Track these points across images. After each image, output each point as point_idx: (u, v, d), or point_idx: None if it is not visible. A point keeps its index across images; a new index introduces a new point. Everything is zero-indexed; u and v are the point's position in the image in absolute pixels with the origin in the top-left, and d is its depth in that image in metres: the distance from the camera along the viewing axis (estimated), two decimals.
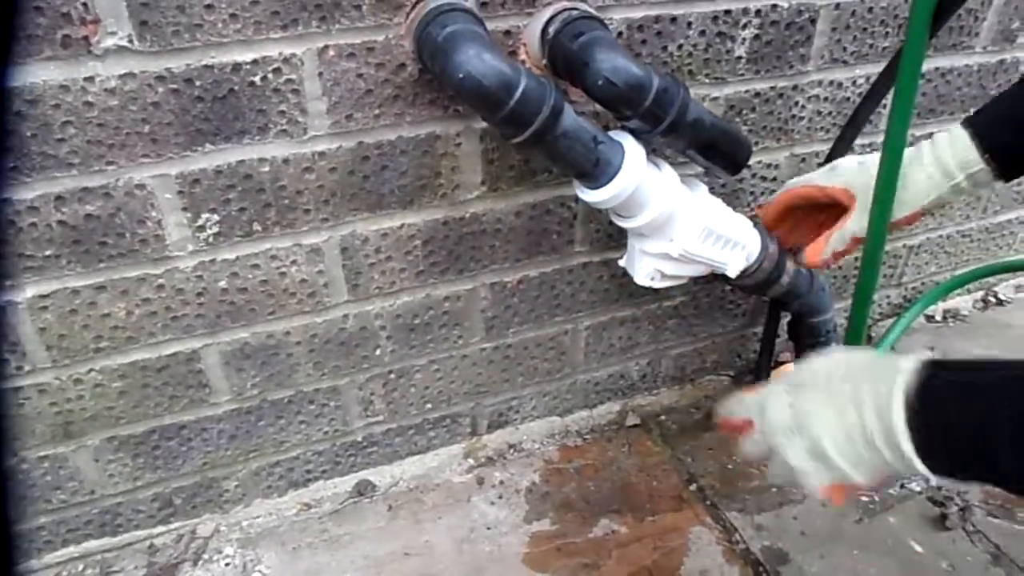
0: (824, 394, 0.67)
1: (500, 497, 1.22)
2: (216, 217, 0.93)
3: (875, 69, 1.20)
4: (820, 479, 0.67)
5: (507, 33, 0.93)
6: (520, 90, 0.80)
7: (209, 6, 0.80)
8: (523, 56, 0.94)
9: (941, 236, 1.54)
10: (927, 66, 1.26)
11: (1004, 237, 1.64)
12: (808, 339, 1.30)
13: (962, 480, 0.61)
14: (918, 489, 1.26)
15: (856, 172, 1.02)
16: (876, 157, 0.99)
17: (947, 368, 0.62)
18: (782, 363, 1.44)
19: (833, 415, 0.65)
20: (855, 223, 1.01)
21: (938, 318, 1.65)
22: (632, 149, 0.91)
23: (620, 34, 0.98)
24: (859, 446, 0.63)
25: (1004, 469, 0.57)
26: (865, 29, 1.15)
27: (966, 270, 1.59)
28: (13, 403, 0.95)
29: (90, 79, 0.79)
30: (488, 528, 1.16)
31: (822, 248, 1.05)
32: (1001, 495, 1.24)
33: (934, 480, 0.63)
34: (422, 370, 1.17)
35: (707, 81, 1.08)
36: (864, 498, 1.24)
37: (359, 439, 1.20)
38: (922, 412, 0.60)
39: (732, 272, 1.06)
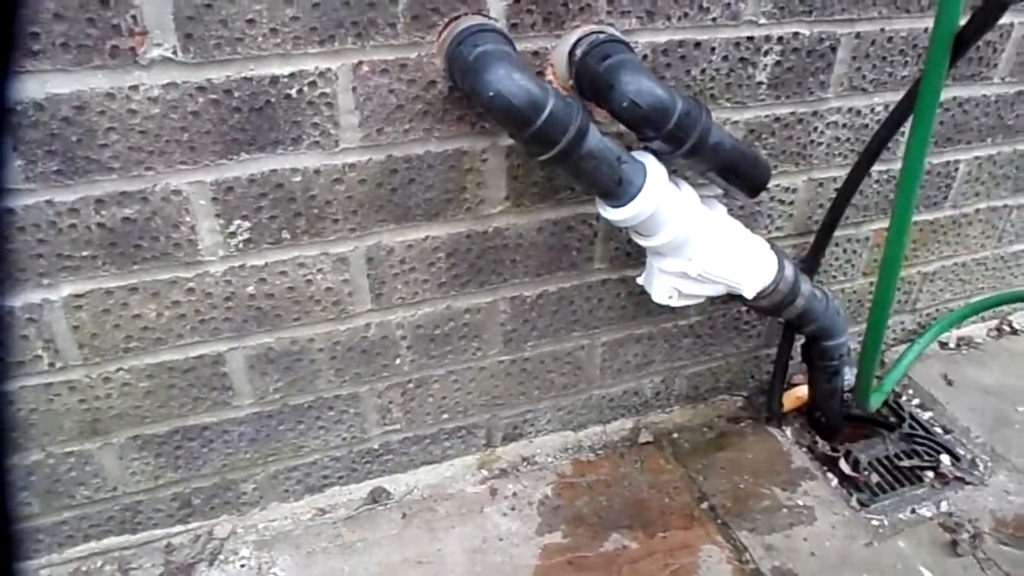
0: None
1: (513, 509, 1.23)
2: (247, 224, 0.95)
3: (894, 97, 1.22)
4: None
5: (535, 54, 0.95)
6: (548, 110, 0.83)
7: (251, 21, 0.83)
8: (550, 76, 0.97)
9: (956, 264, 1.55)
10: (945, 95, 1.27)
11: (1020, 266, 1.65)
12: (821, 362, 1.31)
13: None
14: (929, 514, 1.27)
15: None
16: None
17: None
18: (795, 385, 1.45)
19: None
20: None
21: (952, 345, 1.65)
22: (654, 170, 0.94)
23: (645, 57, 1.01)
24: None
25: None
26: (884, 58, 1.18)
27: (980, 298, 1.61)
28: (13, 404, 0.97)
29: (135, 88, 0.82)
30: (500, 539, 1.18)
31: None
32: (1013, 523, 1.25)
33: None
34: (440, 380, 1.19)
35: (728, 105, 1.10)
36: (875, 522, 1.25)
37: (376, 447, 1.22)
38: None
39: (748, 293, 1.07)
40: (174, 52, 0.82)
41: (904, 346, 1.56)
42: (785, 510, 1.25)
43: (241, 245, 0.97)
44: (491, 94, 0.81)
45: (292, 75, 0.88)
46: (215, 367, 1.04)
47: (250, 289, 1.00)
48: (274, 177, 0.93)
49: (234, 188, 0.92)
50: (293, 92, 0.89)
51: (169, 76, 0.83)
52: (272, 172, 0.93)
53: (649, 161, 0.95)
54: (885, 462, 1.37)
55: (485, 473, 1.29)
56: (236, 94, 0.87)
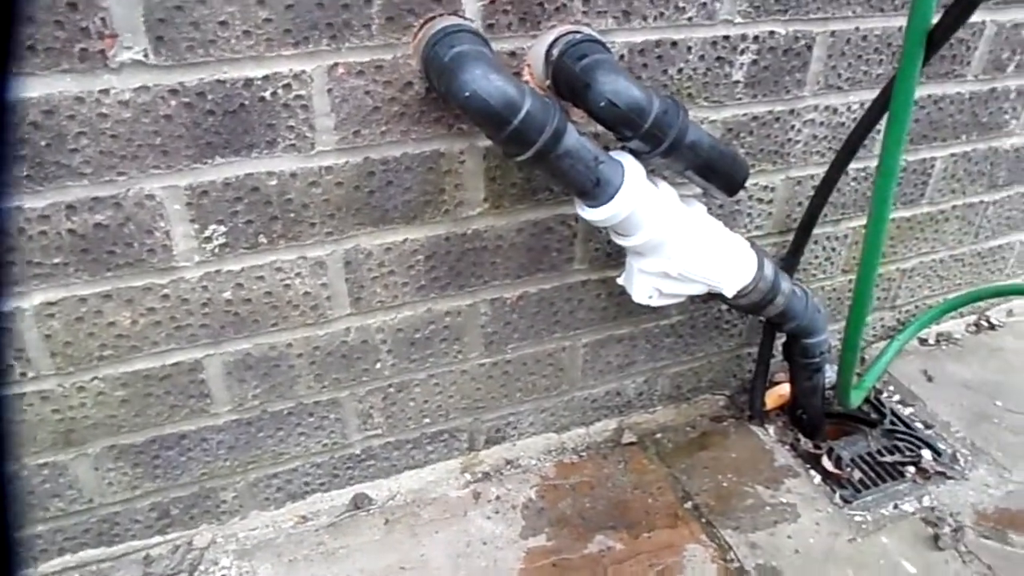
0: None
1: (496, 512, 1.22)
2: (223, 228, 0.94)
3: (870, 95, 1.22)
4: None
5: (512, 54, 0.95)
6: (524, 110, 0.82)
7: (223, 23, 0.82)
8: (527, 77, 0.97)
9: (934, 260, 1.56)
10: (920, 93, 1.29)
11: (996, 262, 1.66)
12: (802, 359, 1.32)
13: None
14: (911, 510, 1.27)
15: None
16: None
17: None
18: (777, 383, 1.46)
19: None
20: None
21: (931, 341, 1.66)
22: (632, 169, 0.93)
23: (622, 57, 1.01)
24: None
25: None
26: (860, 56, 1.18)
27: (959, 294, 1.62)
28: (14, 409, 0.96)
29: (105, 91, 0.81)
30: (484, 543, 1.17)
31: None
32: (994, 516, 1.26)
33: None
34: (421, 384, 1.18)
35: (706, 104, 1.11)
36: (858, 518, 1.25)
37: (357, 452, 1.21)
38: None
39: (728, 292, 1.08)
40: (145, 55, 0.81)
41: (884, 343, 1.57)
42: (769, 508, 1.25)
43: (217, 250, 0.95)
44: (467, 94, 0.81)
45: (266, 77, 0.87)
46: (192, 374, 1.03)
47: (227, 295, 0.99)
48: (249, 181, 0.92)
49: (209, 192, 0.91)
50: (267, 95, 0.88)
51: (140, 79, 0.82)
52: (247, 176, 0.92)
53: (627, 161, 0.95)
54: (867, 458, 1.37)
55: (468, 477, 1.28)
56: (209, 97, 0.86)
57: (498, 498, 1.25)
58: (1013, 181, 1.53)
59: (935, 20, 0.93)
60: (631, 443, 1.36)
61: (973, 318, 1.73)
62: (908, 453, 1.38)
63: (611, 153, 0.95)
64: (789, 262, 1.29)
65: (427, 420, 1.23)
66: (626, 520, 1.21)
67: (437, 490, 1.26)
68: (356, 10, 0.86)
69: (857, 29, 1.16)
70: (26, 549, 1.08)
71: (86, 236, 0.88)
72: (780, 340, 1.36)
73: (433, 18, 0.90)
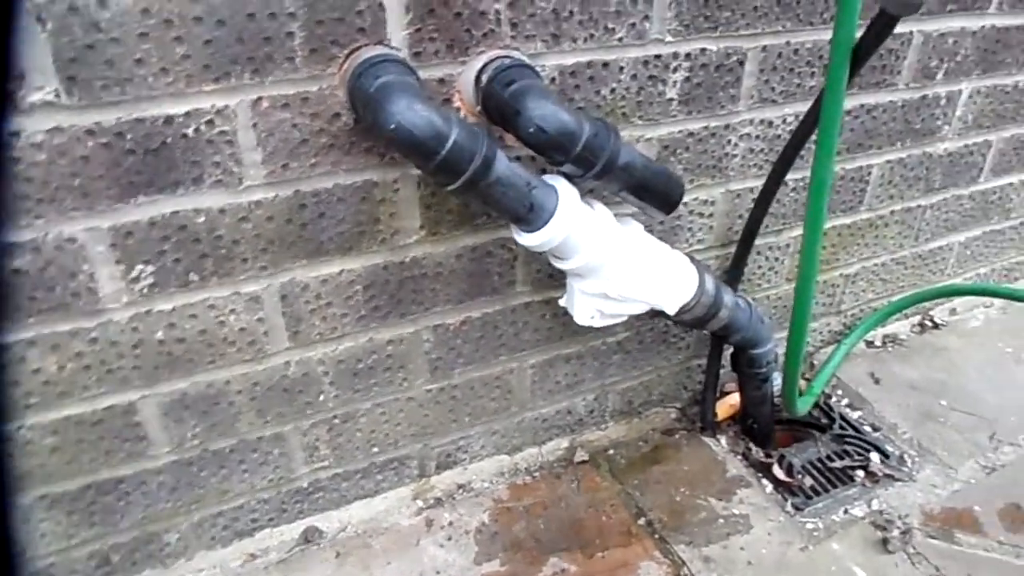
0: None
1: (449, 539, 1.21)
2: (151, 268, 0.92)
3: (803, 107, 1.24)
4: None
5: (441, 81, 0.94)
6: (452, 139, 0.82)
7: (139, 60, 0.80)
8: (458, 103, 0.96)
9: (876, 264, 1.59)
10: (853, 103, 1.31)
11: (937, 263, 1.70)
12: (750, 370, 1.33)
13: None
14: (861, 514, 1.29)
15: None
16: None
17: None
18: (728, 393, 1.47)
19: None
20: None
21: (877, 343, 1.69)
22: (566, 193, 0.93)
23: (553, 80, 1.01)
24: None
25: None
26: (792, 69, 1.20)
27: (902, 296, 1.65)
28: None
29: (15, 134, 0.78)
30: (437, 572, 1.16)
31: None
32: (940, 516, 1.28)
33: None
34: (367, 414, 1.17)
35: (641, 123, 1.11)
36: (809, 525, 1.26)
37: (305, 485, 1.19)
38: None
39: (670, 309, 1.08)
40: (57, 95, 0.78)
41: (832, 347, 1.59)
42: (722, 520, 1.25)
43: (146, 290, 0.93)
44: (392, 126, 0.80)
45: (187, 114, 0.85)
46: (127, 417, 1.00)
47: (159, 335, 0.96)
48: (176, 219, 0.90)
49: (134, 232, 0.89)
50: (190, 131, 0.86)
51: (54, 120, 0.80)
52: (174, 214, 0.90)
53: (561, 184, 0.94)
54: (818, 464, 1.39)
55: (420, 504, 1.27)
56: (129, 136, 0.83)
57: (451, 524, 1.24)
58: (948, 184, 1.56)
59: (860, 35, 0.95)
60: (584, 461, 1.35)
61: (918, 318, 1.76)
62: (857, 457, 1.40)
63: (545, 177, 0.95)
64: (732, 274, 1.30)
65: (375, 449, 1.21)
66: (580, 540, 1.21)
67: (389, 519, 1.24)
68: (278, 43, 0.85)
69: (788, 43, 1.17)
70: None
71: (4, 283, 0.85)
72: (728, 351, 1.37)
73: (358, 48, 0.88)
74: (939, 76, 1.37)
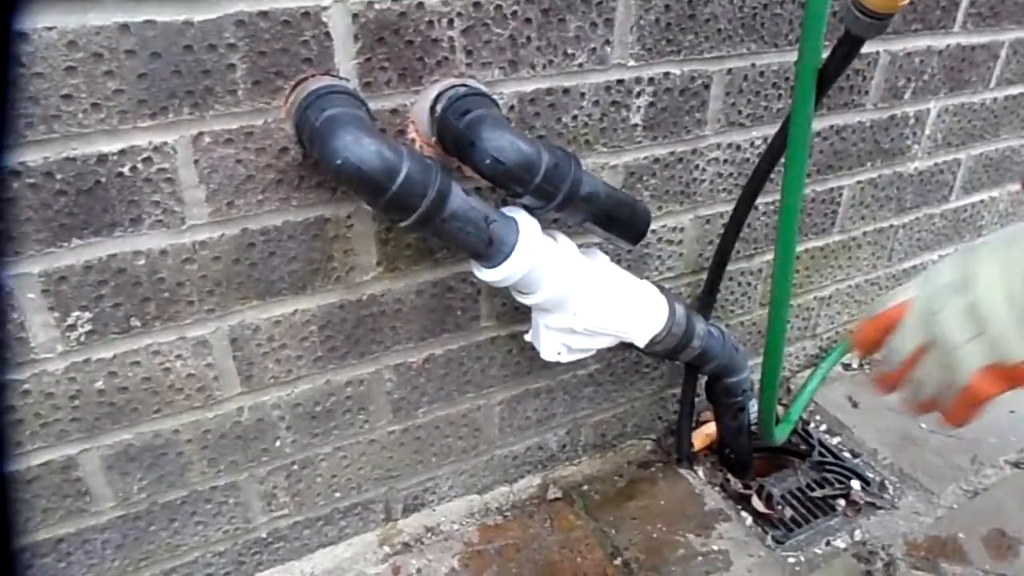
0: (998, 245, 0.56)
1: None
2: (88, 315, 0.86)
3: (771, 129, 1.21)
4: (976, 357, 0.55)
5: (394, 112, 0.90)
6: (403, 174, 0.78)
7: (67, 96, 0.75)
8: (412, 134, 0.92)
9: (851, 286, 1.56)
10: (822, 124, 1.28)
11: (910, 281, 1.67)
12: (725, 399, 1.29)
13: None
14: (843, 545, 1.25)
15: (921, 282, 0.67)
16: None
17: None
18: (704, 422, 1.43)
19: (1001, 259, 0.55)
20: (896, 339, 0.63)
21: (855, 366, 1.66)
22: (527, 226, 0.89)
23: (512, 108, 0.97)
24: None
25: None
26: (758, 92, 1.17)
27: None
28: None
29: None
30: None
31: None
32: (924, 545, 1.24)
33: None
34: (327, 458, 1.11)
35: (605, 150, 1.08)
36: (791, 559, 1.22)
37: (263, 535, 1.13)
38: None
39: (640, 342, 1.04)
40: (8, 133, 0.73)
41: (808, 371, 1.56)
42: (700, 558, 1.21)
43: (83, 338, 0.87)
44: (339, 162, 0.76)
45: (122, 151, 0.80)
46: (66, 472, 0.94)
47: (99, 384, 0.91)
48: (113, 262, 0.85)
49: (67, 277, 0.83)
50: (125, 170, 0.81)
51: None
52: (111, 257, 0.84)
53: (521, 217, 0.90)
54: (798, 494, 1.35)
55: (387, 550, 1.21)
56: (58, 176, 0.78)
57: (419, 571, 1.18)
58: (919, 203, 1.54)
59: (825, 56, 0.93)
60: (557, 498, 1.31)
61: None
62: (838, 485, 1.37)
63: (504, 210, 0.91)
64: (705, 301, 1.26)
65: (338, 494, 1.15)
66: None
67: (354, 567, 1.19)
68: (218, 75, 0.80)
69: (753, 65, 1.15)
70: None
71: None
72: (703, 380, 1.33)
73: (305, 79, 0.84)
74: (907, 95, 1.35)
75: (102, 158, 0.79)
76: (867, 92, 1.31)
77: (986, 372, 0.55)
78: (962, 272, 0.56)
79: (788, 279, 1.09)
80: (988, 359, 0.55)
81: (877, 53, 1.27)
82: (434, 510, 1.26)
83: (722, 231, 1.22)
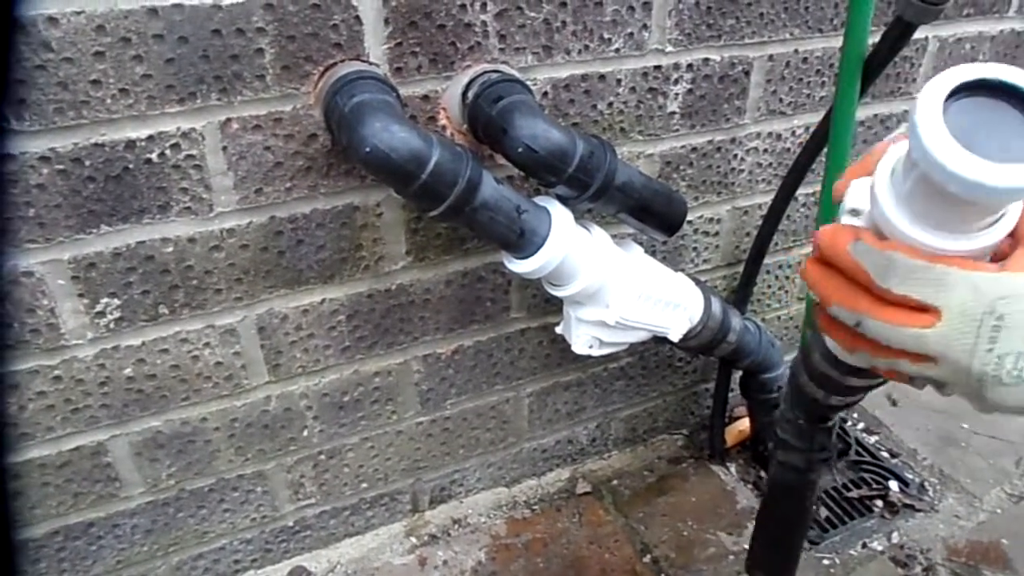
0: None
1: None
2: (117, 302, 0.86)
3: (813, 118, 1.17)
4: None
5: (425, 98, 0.88)
6: (432, 163, 0.76)
7: (96, 82, 0.74)
8: (443, 121, 0.90)
9: None
10: (867, 112, 1.24)
11: None
12: (760, 395, 1.26)
13: None
14: (880, 548, 1.22)
15: None
16: None
17: None
18: (737, 418, 1.39)
19: None
20: None
21: None
22: (559, 216, 0.87)
23: (545, 95, 0.95)
24: None
25: None
26: (800, 79, 1.13)
27: None
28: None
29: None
30: None
31: None
32: (965, 551, 1.20)
33: None
34: (355, 448, 1.10)
35: (641, 138, 1.05)
36: (825, 561, 1.19)
37: (290, 524, 1.13)
38: None
39: (674, 336, 1.01)
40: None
41: None
42: (732, 556, 1.18)
43: (112, 325, 0.87)
44: (367, 149, 0.74)
45: (151, 138, 0.79)
46: (96, 458, 0.94)
47: (128, 371, 0.90)
48: (142, 249, 0.84)
49: (97, 264, 0.83)
50: (154, 156, 0.80)
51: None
52: (140, 244, 0.84)
53: (554, 207, 0.88)
54: (833, 494, 1.31)
55: (414, 540, 1.20)
56: (87, 162, 0.78)
57: (445, 563, 1.17)
58: None
59: (872, 46, 0.89)
60: (586, 492, 1.29)
61: None
62: (875, 486, 1.33)
63: (537, 199, 0.89)
64: (741, 295, 1.23)
65: (365, 485, 1.15)
66: None
67: (380, 557, 1.18)
68: (246, 60, 0.79)
69: (796, 52, 1.11)
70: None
71: None
72: (737, 375, 1.30)
73: (334, 64, 0.82)
74: None
75: (130, 144, 0.79)
76: (915, 80, 1.26)
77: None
78: (988, 311, 0.42)
79: None
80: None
81: (926, 39, 1.21)
82: (461, 502, 1.25)
83: (760, 223, 1.19)
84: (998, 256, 0.43)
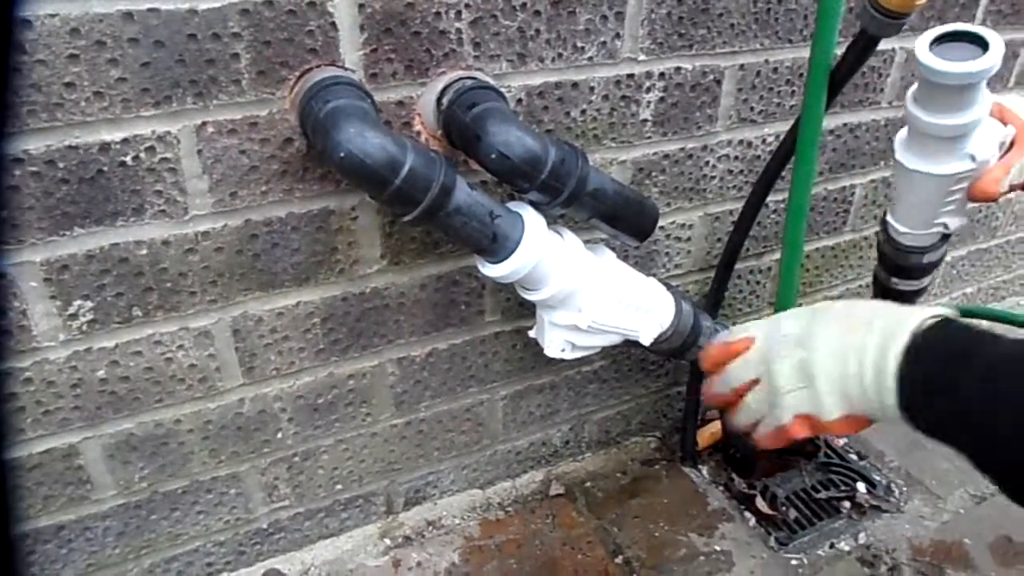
0: (841, 317, 0.66)
1: None
2: (90, 304, 0.86)
3: (783, 126, 1.20)
4: (797, 404, 0.65)
5: (400, 104, 0.89)
6: (406, 168, 0.77)
7: (70, 84, 0.74)
8: (418, 127, 0.91)
9: (860, 286, 1.54)
10: (836, 122, 1.27)
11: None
12: None
13: (934, 439, 0.61)
14: (847, 548, 1.24)
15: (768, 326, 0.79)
16: None
17: (961, 327, 0.60)
18: (709, 421, 1.42)
19: (838, 332, 0.64)
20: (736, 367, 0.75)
21: None
22: (532, 221, 0.88)
23: (520, 101, 0.96)
24: (850, 372, 0.61)
25: (975, 439, 0.57)
26: (771, 89, 1.16)
27: None
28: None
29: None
30: None
31: (1000, 178, 0.91)
32: (929, 550, 1.23)
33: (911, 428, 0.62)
34: (329, 451, 1.11)
35: (613, 145, 1.06)
36: (794, 561, 1.21)
37: (264, 526, 1.13)
38: (915, 359, 0.59)
39: (645, 340, 1.03)
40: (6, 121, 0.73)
41: None
42: (703, 557, 1.20)
43: (85, 327, 0.87)
44: (342, 154, 0.75)
45: (125, 141, 0.79)
46: (67, 460, 0.94)
47: (100, 373, 0.90)
48: (116, 251, 0.84)
49: (69, 266, 0.83)
50: (128, 159, 0.80)
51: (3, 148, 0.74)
52: (113, 246, 0.84)
53: (527, 212, 0.89)
54: (802, 495, 1.33)
55: (388, 542, 1.21)
56: (61, 164, 0.78)
57: (419, 564, 1.18)
58: None
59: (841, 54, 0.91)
60: (559, 494, 1.30)
61: None
62: (843, 487, 1.35)
63: (510, 205, 0.90)
64: (712, 300, 1.25)
65: (339, 487, 1.15)
66: None
67: (354, 559, 1.18)
68: (222, 65, 0.79)
69: (767, 61, 1.13)
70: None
71: None
72: None
73: (310, 70, 0.83)
74: None
75: (105, 147, 0.79)
76: (883, 90, 1.28)
77: (801, 419, 0.66)
78: (806, 330, 0.66)
79: (795, 278, 1.07)
80: (805, 410, 0.65)
81: (894, 50, 1.24)
82: (435, 504, 1.26)
83: (731, 229, 1.21)
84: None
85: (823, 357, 0.63)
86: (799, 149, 0.95)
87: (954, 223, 1.02)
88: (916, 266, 1.05)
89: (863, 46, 0.86)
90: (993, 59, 0.81)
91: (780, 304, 1.09)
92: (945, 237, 1.04)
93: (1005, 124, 0.95)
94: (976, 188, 0.93)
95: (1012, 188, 0.94)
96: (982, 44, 0.83)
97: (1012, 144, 0.94)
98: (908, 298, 1.10)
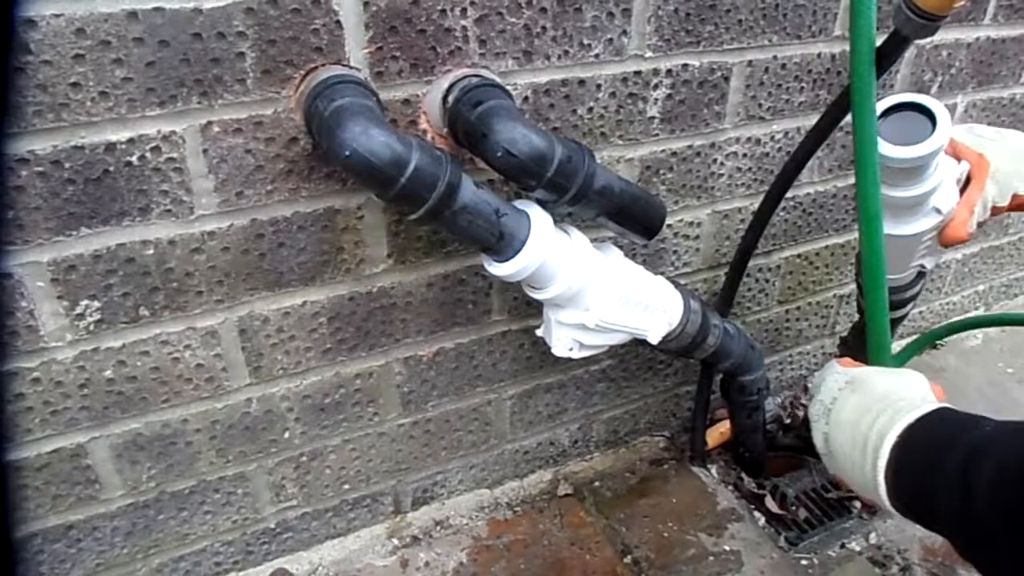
0: (861, 397, 0.74)
1: None
2: (97, 304, 0.86)
3: (792, 124, 1.19)
4: (830, 467, 0.78)
5: (406, 102, 0.89)
6: (412, 166, 0.76)
7: (75, 84, 0.74)
8: (424, 125, 0.91)
9: None
10: (845, 119, 1.25)
11: (933, 281, 1.64)
12: (740, 397, 1.27)
13: (920, 524, 0.65)
14: (858, 548, 1.23)
15: (992, 139, 0.98)
16: (1013, 132, 0.99)
17: (942, 418, 0.66)
18: (718, 420, 1.41)
19: (853, 417, 0.72)
20: (992, 191, 0.95)
21: None
22: (539, 220, 0.88)
23: (526, 99, 0.95)
24: (856, 457, 0.70)
25: (940, 516, 0.61)
26: (779, 85, 1.15)
27: (914, 338, 1.58)
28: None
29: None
30: None
31: (967, 219, 0.94)
32: (941, 551, 1.22)
33: (898, 518, 0.70)
34: (336, 450, 1.11)
35: (620, 143, 1.06)
36: (804, 562, 1.20)
37: (272, 526, 1.13)
38: (901, 450, 0.65)
39: (654, 339, 1.02)
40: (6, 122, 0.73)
41: None
42: (712, 558, 1.19)
43: (92, 327, 0.87)
44: (347, 153, 0.74)
45: (131, 140, 0.79)
46: (75, 460, 0.94)
47: (108, 373, 0.90)
48: (122, 251, 0.84)
49: (76, 267, 0.83)
50: (134, 159, 0.80)
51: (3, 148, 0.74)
52: (120, 246, 0.84)
53: (533, 211, 0.89)
54: (812, 494, 1.32)
55: (396, 542, 1.21)
56: (67, 165, 0.78)
57: (427, 564, 1.17)
58: None
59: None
60: (568, 494, 1.29)
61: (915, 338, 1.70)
62: None
63: (516, 203, 0.90)
64: (724, 298, 1.24)
65: (347, 486, 1.15)
66: None
67: (362, 559, 1.18)
68: (227, 64, 0.79)
69: (775, 58, 1.12)
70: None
71: None
72: (718, 377, 1.31)
73: (315, 68, 0.83)
74: (934, 89, 1.32)
75: (110, 147, 0.79)
76: (892, 86, 1.27)
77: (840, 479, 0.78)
78: (834, 404, 0.77)
79: (883, 314, 0.94)
80: (832, 470, 0.78)
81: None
82: (443, 504, 1.25)
83: (740, 226, 1.20)
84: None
85: (840, 445, 0.74)
86: (859, 147, 0.87)
87: (930, 263, 1.07)
88: (895, 302, 1.07)
89: (893, 46, 0.84)
90: (941, 138, 0.86)
91: (873, 356, 0.97)
92: (921, 274, 1.09)
93: (959, 160, 0.96)
94: (946, 236, 0.97)
95: (981, 224, 0.97)
96: (930, 115, 0.88)
97: (968, 179, 0.96)
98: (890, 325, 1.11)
